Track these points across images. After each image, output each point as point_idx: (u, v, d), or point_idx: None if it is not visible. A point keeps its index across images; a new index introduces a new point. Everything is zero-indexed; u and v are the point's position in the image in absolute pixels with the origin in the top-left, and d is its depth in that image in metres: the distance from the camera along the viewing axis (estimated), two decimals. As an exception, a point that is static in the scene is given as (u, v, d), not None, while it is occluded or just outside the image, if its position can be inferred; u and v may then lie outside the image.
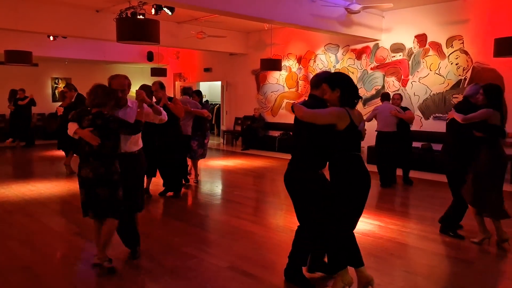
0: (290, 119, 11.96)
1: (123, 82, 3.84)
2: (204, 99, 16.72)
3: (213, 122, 16.32)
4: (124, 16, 6.19)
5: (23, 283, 3.50)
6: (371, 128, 9.98)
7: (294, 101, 7.79)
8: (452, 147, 4.60)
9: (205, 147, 7.58)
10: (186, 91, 7.50)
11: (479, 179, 4.23)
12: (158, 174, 6.58)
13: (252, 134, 12.34)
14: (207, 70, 14.77)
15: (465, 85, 8.26)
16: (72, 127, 3.62)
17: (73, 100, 7.85)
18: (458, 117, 4.39)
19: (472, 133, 4.33)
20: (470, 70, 8.45)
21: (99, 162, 3.54)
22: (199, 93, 7.77)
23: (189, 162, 7.40)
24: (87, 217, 3.78)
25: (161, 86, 6.04)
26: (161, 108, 4.18)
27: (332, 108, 3.20)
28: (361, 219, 5.27)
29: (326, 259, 3.50)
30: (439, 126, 8.58)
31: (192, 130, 7.02)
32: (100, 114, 3.55)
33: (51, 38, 10.79)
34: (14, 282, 3.52)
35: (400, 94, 7.79)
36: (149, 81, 17.18)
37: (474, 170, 4.29)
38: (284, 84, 12.22)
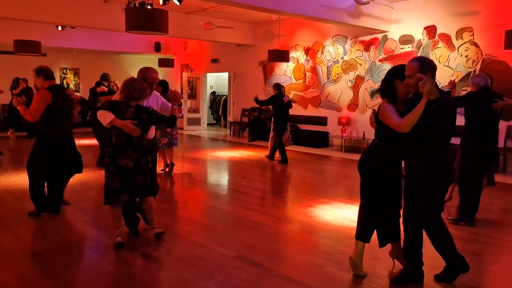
0: (297, 110, 11.98)
1: (156, 76, 4.22)
2: (211, 90, 16.86)
3: (220, 113, 16.37)
4: (132, 6, 6.17)
5: (34, 270, 3.57)
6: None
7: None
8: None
9: (170, 136, 7.30)
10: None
11: None
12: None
13: (259, 125, 12.33)
14: (214, 61, 14.76)
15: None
16: (107, 116, 3.75)
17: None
18: None
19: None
20: (480, 63, 8.37)
21: (139, 153, 3.82)
22: (160, 84, 7.12)
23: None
24: (106, 205, 3.96)
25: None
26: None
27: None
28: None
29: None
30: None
31: None
32: (143, 108, 3.82)
33: (60, 28, 10.83)
34: (25, 268, 3.59)
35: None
36: (158, 71, 17.25)
37: None
38: (292, 75, 12.19)
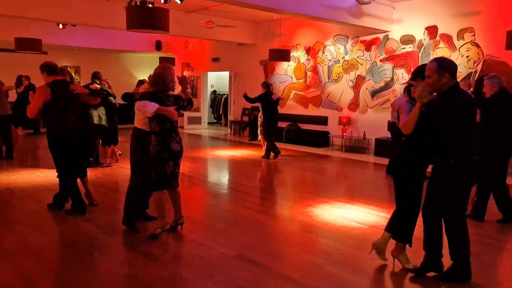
0: (298, 110, 11.98)
1: (175, 73, 4.44)
2: (212, 89, 16.86)
3: (221, 112, 16.37)
4: (133, 4, 6.17)
5: (33, 268, 3.56)
6: (377, 119, 9.95)
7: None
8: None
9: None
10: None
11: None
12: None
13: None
14: (215, 60, 14.75)
15: (475, 78, 8.18)
16: (152, 105, 3.97)
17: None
18: None
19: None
20: (481, 63, 8.36)
21: (179, 136, 4.21)
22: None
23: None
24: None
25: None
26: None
27: None
28: (368, 210, 5.35)
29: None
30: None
31: None
32: (179, 96, 4.20)
33: (61, 26, 10.82)
34: (25, 266, 3.58)
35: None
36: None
37: None
38: (293, 75, 12.18)
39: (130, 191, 4.47)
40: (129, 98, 4.04)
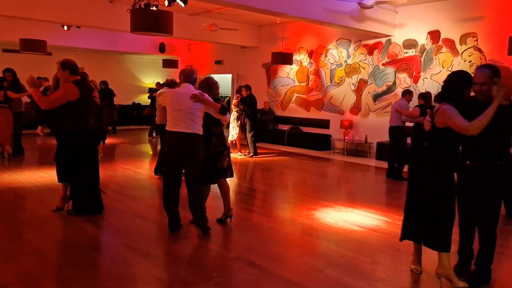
0: (300, 113, 12.00)
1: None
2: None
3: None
4: (137, 7, 6.22)
5: (35, 267, 3.58)
6: (379, 123, 9.96)
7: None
8: None
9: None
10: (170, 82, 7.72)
11: None
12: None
13: (262, 127, 12.36)
14: (218, 62, 14.80)
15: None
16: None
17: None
18: None
19: None
20: (483, 68, 8.35)
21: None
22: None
23: None
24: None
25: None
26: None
27: None
28: (369, 214, 5.36)
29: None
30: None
31: None
32: (227, 101, 4.52)
33: (65, 27, 10.89)
34: (26, 266, 3.60)
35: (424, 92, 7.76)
36: (161, 72, 17.23)
37: None
38: (295, 78, 12.21)
39: (198, 197, 4.44)
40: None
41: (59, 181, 5.06)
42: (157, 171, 7.41)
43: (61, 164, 4.98)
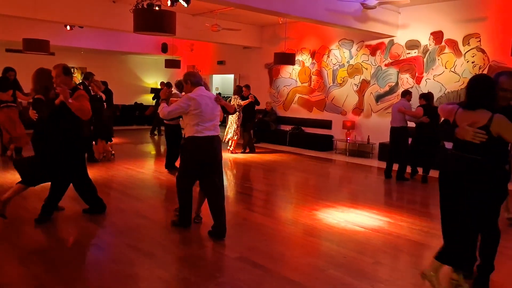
0: (301, 113, 12.00)
1: None
2: (217, 92, 16.91)
3: (225, 115, 16.41)
4: (140, 7, 6.23)
5: (38, 266, 3.60)
6: (381, 124, 9.95)
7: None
8: None
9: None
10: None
11: None
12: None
13: (264, 127, 12.37)
14: (220, 62, 14.81)
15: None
16: None
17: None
18: None
19: None
20: (486, 69, 8.35)
21: None
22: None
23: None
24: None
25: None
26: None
27: None
28: (371, 215, 5.36)
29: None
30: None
31: None
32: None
33: (68, 27, 10.92)
34: (30, 265, 3.62)
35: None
36: (163, 72, 17.25)
37: None
38: (297, 78, 12.21)
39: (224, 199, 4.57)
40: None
41: (35, 185, 4.90)
42: (168, 166, 7.72)
43: (46, 166, 4.80)
